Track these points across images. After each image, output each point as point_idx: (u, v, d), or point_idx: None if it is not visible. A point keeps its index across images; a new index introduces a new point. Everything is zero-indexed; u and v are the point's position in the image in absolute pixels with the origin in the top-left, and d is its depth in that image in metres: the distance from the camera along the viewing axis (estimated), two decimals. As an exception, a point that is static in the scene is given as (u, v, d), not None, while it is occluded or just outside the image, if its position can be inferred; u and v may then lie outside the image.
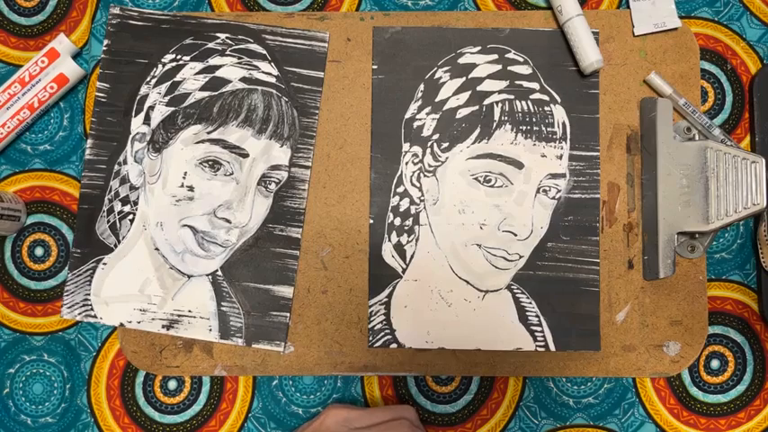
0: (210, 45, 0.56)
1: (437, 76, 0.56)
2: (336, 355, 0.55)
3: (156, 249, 0.55)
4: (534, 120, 0.55)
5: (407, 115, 0.56)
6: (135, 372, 0.56)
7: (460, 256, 0.55)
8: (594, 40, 0.54)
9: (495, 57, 0.56)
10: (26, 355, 0.56)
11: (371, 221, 0.55)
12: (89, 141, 0.56)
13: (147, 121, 0.56)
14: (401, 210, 0.55)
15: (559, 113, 0.56)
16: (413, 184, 0.55)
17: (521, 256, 0.55)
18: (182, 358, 0.55)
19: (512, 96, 0.56)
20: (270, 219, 0.55)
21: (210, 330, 0.54)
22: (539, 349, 0.54)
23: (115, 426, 0.56)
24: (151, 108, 0.56)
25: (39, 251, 0.57)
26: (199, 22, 0.57)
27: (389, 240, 0.55)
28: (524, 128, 0.55)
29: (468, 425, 0.56)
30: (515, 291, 0.55)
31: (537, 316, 0.55)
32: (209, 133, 0.55)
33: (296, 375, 0.56)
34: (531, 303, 0.55)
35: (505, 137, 0.55)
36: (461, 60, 0.56)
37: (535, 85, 0.56)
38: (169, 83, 0.56)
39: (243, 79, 0.56)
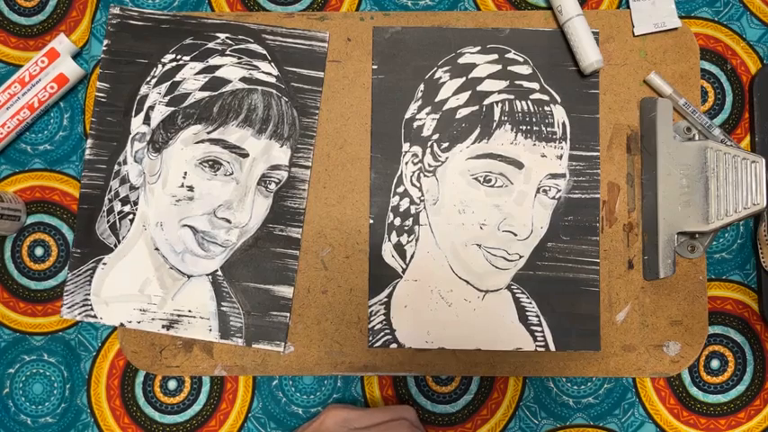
0: (210, 45, 0.56)
1: (437, 76, 0.56)
2: (336, 355, 0.55)
3: (156, 249, 0.55)
4: (534, 120, 0.55)
5: (407, 115, 0.56)
6: (135, 372, 0.56)
7: (460, 256, 0.55)
8: (594, 40, 0.54)
9: (495, 57, 0.56)
10: (26, 355, 0.56)
11: (371, 221, 0.55)
12: (89, 141, 0.56)
13: (147, 121, 0.56)
14: (401, 210, 0.55)
15: (559, 113, 0.56)
16: (413, 184, 0.55)
17: (521, 256, 0.55)
18: (182, 358, 0.55)
19: (512, 96, 0.56)
20: (270, 219, 0.55)
21: (210, 330, 0.54)
22: (539, 349, 0.54)
23: (115, 426, 0.56)
24: (151, 108, 0.56)
25: (39, 251, 0.57)
26: (199, 22, 0.57)
27: (389, 240, 0.55)
28: (524, 128, 0.55)
29: (468, 425, 0.56)
30: (515, 291, 0.55)
31: (537, 316, 0.55)
32: (209, 133, 0.55)
33: (296, 375, 0.56)
34: (531, 303, 0.55)
35: (505, 137, 0.55)
36: (461, 60, 0.56)
37: (535, 85, 0.56)
38: (169, 83, 0.56)
39: (243, 79, 0.56)
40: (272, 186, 0.55)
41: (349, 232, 0.55)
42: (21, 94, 0.57)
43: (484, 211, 0.55)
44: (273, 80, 0.56)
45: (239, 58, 0.56)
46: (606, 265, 0.55)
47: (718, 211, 0.52)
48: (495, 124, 0.55)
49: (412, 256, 0.55)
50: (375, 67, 0.56)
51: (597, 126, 0.56)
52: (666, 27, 0.56)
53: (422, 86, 0.56)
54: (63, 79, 0.56)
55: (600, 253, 0.55)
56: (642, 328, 0.55)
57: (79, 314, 0.55)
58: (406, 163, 0.56)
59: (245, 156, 0.55)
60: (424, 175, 0.55)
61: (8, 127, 0.56)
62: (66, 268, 0.55)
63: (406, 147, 0.56)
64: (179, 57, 0.56)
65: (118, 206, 0.55)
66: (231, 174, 0.55)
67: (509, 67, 0.56)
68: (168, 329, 0.54)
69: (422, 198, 0.55)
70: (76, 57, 0.58)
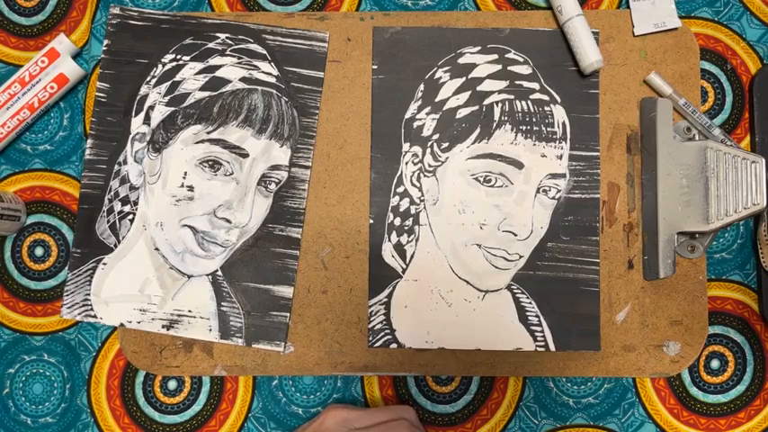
0: (210, 45, 0.56)
1: (437, 76, 0.56)
2: (336, 355, 0.55)
3: (156, 249, 0.55)
4: (534, 120, 0.55)
5: (407, 115, 0.56)
6: (135, 372, 0.56)
7: (460, 256, 0.55)
8: (594, 40, 0.54)
9: (495, 57, 0.56)
10: (26, 355, 0.56)
11: (371, 221, 0.55)
12: (89, 141, 0.56)
13: (147, 121, 0.56)
14: (401, 210, 0.55)
15: (559, 113, 0.56)
16: (413, 184, 0.55)
17: (521, 256, 0.55)
18: (182, 358, 0.55)
19: (512, 96, 0.56)
20: (270, 219, 0.55)
21: (210, 330, 0.54)
22: (539, 349, 0.54)
23: (115, 426, 0.56)
24: (151, 108, 0.56)
25: (39, 251, 0.57)
26: (199, 22, 0.57)
27: (389, 240, 0.55)
28: (524, 128, 0.55)
29: (468, 425, 0.56)
30: (515, 291, 0.55)
31: (537, 316, 0.55)
32: (209, 133, 0.55)
33: (296, 375, 0.56)
34: (531, 303, 0.55)
35: (505, 137, 0.55)
36: (461, 60, 0.56)
37: (535, 85, 0.56)
38: (169, 83, 0.56)
39: (243, 79, 0.56)
40: (272, 186, 0.55)
41: (349, 232, 0.55)
42: (21, 94, 0.57)
43: (484, 211, 0.55)
44: (273, 80, 0.56)
45: (239, 58, 0.56)
46: (606, 265, 0.55)
47: (718, 211, 0.52)
48: (495, 124, 0.55)
49: (412, 256, 0.55)
50: (375, 67, 0.56)
51: (597, 126, 0.56)
52: (666, 27, 0.56)
53: (422, 86, 0.56)
54: (63, 79, 0.56)
55: (600, 253, 0.55)
56: (642, 328, 0.55)
57: (79, 314, 0.55)
58: (406, 163, 0.56)
59: (245, 156, 0.55)
60: (424, 175, 0.55)
61: (8, 127, 0.56)
62: (66, 268, 0.55)
63: (406, 147, 0.56)
64: (179, 57, 0.56)
65: (118, 206, 0.55)
66: (231, 174, 0.55)
67: (509, 67, 0.56)
68: (168, 329, 0.54)
69: (422, 198, 0.55)
70: (76, 57, 0.58)
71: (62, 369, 0.56)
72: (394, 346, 0.55)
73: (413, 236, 0.55)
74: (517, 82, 0.56)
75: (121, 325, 0.54)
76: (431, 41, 0.56)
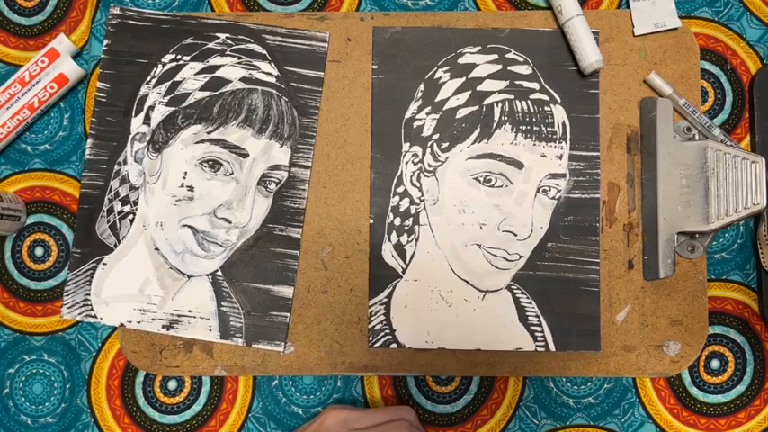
0: (210, 45, 0.56)
1: (437, 76, 0.56)
2: (336, 355, 0.55)
3: (156, 249, 0.55)
4: (534, 120, 0.55)
5: (407, 115, 0.56)
6: (135, 372, 0.56)
7: (460, 256, 0.55)
8: (594, 40, 0.54)
9: (495, 57, 0.56)
10: (26, 355, 0.56)
11: (371, 221, 0.55)
12: (89, 141, 0.56)
13: (147, 121, 0.56)
14: (401, 210, 0.55)
15: (559, 113, 0.56)
16: (413, 184, 0.55)
17: (521, 256, 0.55)
18: (182, 358, 0.55)
19: (512, 96, 0.56)
20: (270, 219, 0.55)
21: (210, 330, 0.54)
22: (539, 349, 0.54)
23: (115, 426, 0.56)
24: (151, 108, 0.56)
25: (39, 251, 0.57)
26: (199, 22, 0.57)
27: (389, 240, 0.55)
28: (524, 128, 0.55)
29: (468, 425, 0.56)
30: (515, 291, 0.55)
31: (537, 316, 0.55)
32: (209, 133, 0.55)
33: (296, 375, 0.56)
34: (531, 303, 0.55)
35: (505, 137, 0.55)
36: (461, 60, 0.56)
37: (535, 85, 0.56)
38: (169, 83, 0.56)
39: (243, 79, 0.56)
40: (272, 186, 0.55)
41: (349, 232, 0.55)
42: (21, 94, 0.57)
43: (484, 211, 0.55)
44: (273, 80, 0.56)
45: (239, 58, 0.56)
46: (606, 265, 0.55)
47: (718, 211, 0.52)
48: (495, 124, 0.55)
49: (412, 256, 0.55)
50: (375, 67, 0.56)
51: (597, 126, 0.56)
52: (666, 27, 0.56)
53: (422, 86, 0.56)
54: (63, 79, 0.56)
55: (600, 253, 0.55)
56: (642, 328, 0.55)
57: (79, 314, 0.55)
58: (406, 163, 0.56)
59: (245, 156, 0.55)
60: (424, 175, 0.55)
61: (8, 127, 0.56)
62: (66, 268, 0.55)
63: (406, 147, 0.56)
64: (179, 57, 0.56)
65: (118, 206, 0.55)
66: (231, 174, 0.55)
67: (509, 67, 0.56)
68: (168, 329, 0.54)
69: (422, 198, 0.55)
70: (76, 57, 0.58)
71: (62, 369, 0.56)
72: (394, 346, 0.55)
73: (413, 236, 0.55)
74: (517, 82, 0.56)
75: (121, 325, 0.54)
76: (431, 41, 0.56)
